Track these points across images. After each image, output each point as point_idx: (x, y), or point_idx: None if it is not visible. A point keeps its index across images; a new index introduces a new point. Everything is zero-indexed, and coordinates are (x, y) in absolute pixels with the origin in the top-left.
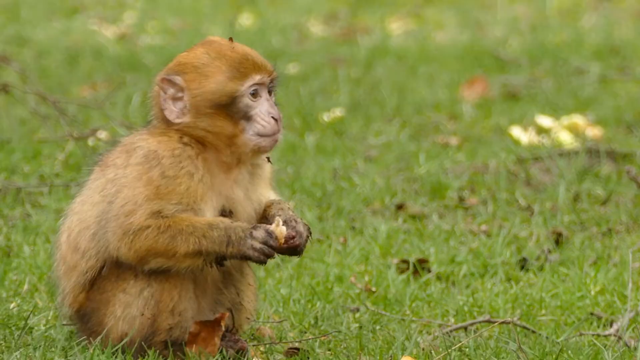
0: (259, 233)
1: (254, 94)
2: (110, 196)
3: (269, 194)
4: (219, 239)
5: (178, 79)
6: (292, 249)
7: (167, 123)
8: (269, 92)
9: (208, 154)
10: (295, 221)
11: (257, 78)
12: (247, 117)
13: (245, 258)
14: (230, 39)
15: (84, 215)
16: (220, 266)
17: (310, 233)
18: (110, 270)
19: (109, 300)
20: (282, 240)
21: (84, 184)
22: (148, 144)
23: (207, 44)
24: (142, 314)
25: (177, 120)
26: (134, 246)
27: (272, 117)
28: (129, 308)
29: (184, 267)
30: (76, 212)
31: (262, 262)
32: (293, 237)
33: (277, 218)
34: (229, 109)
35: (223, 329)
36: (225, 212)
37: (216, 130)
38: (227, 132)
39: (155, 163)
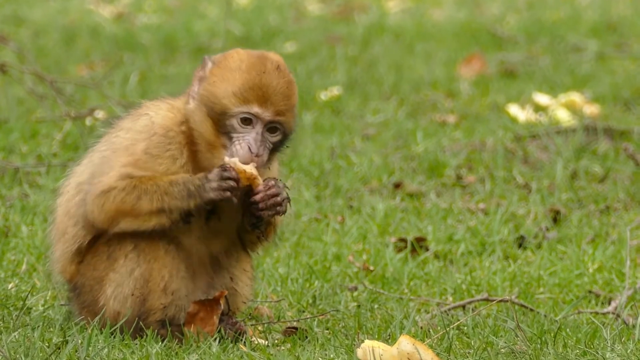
0: (213, 173)
1: (245, 121)
2: (102, 158)
3: None
4: (180, 194)
5: (209, 66)
6: (273, 197)
7: (188, 97)
8: (270, 130)
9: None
10: (274, 179)
11: (254, 109)
12: (229, 137)
13: (210, 202)
14: (278, 67)
15: (80, 178)
16: (186, 223)
17: (289, 199)
18: (101, 249)
19: (101, 279)
20: (243, 172)
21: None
22: (156, 113)
23: (256, 56)
24: (132, 294)
25: (190, 100)
26: (105, 208)
27: (249, 149)
28: (119, 287)
29: (151, 225)
30: (76, 174)
31: (228, 199)
32: (272, 187)
33: (224, 157)
34: (219, 120)
35: (222, 307)
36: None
37: (201, 130)
38: (207, 139)
39: (146, 136)
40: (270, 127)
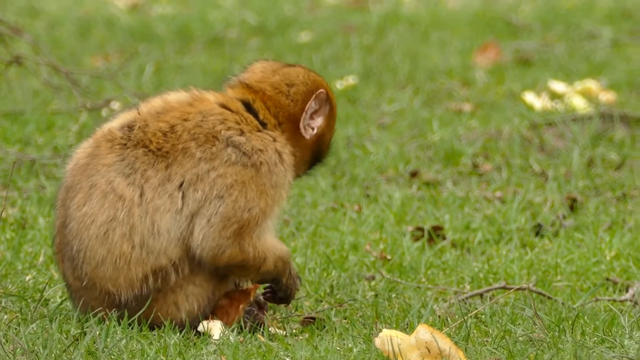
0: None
1: None
2: (204, 193)
3: None
4: (283, 268)
5: (325, 110)
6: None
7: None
8: None
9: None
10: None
11: None
12: None
13: (288, 289)
14: None
15: (156, 218)
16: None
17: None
18: (180, 268)
19: (174, 291)
20: None
21: (125, 166)
22: (249, 141)
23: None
24: (208, 297)
25: (305, 128)
26: (221, 258)
27: None
28: (197, 298)
29: (251, 278)
30: (136, 204)
31: (284, 300)
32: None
33: None
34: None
35: (250, 299)
36: None
37: (305, 159)
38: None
39: (266, 169)
40: None
